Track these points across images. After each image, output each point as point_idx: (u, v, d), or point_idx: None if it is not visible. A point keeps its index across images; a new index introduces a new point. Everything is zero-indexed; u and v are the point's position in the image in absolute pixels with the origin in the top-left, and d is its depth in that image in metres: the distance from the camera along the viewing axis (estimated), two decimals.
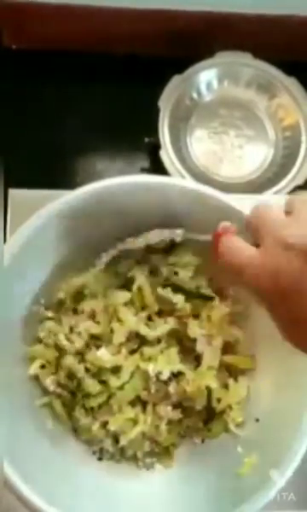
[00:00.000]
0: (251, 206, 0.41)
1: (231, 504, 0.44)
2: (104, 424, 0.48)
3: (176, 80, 0.77)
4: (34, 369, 0.48)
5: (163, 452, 0.49)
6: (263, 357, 0.50)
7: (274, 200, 0.70)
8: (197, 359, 0.49)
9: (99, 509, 0.44)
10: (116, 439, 0.48)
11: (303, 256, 0.35)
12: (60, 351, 0.48)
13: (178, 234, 0.47)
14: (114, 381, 0.47)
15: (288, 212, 0.38)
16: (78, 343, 0.47)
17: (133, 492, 0.48)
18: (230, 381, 0.49)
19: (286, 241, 0.35)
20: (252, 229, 0.39)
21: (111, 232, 0.49)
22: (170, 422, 0.49)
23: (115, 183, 0.47)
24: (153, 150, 0.75)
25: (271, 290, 0.36)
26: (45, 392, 0.49)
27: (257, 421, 0.48)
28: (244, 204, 0.46)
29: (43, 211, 0.46)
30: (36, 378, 0.49)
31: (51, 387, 0.48)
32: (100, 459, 0.49)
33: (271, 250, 0.36)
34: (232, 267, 0.38)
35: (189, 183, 0.49)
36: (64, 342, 0.48)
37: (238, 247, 0.38)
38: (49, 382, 0.48)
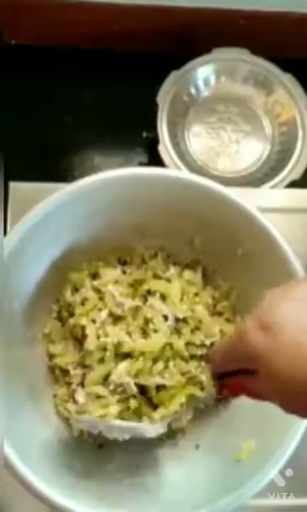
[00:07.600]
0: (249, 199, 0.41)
1: (228, 489, 0.45)
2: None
3: (173, 76, 0.78)
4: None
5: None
6: None
7: (270, 194, 0.71)
8: None
9: (99, 493, 0.45)
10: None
11: None
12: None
13: None
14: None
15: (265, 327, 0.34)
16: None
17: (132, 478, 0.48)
18: None
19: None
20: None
21: (113, 224, 0.50)
22: None
23: (113, 175, 0.48)
24: (152, 145, 0.76)
25: None
26: (49, 371, 0.50)
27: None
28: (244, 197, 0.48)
29: (43, 204, 0.46)
30: (38, 360, 0.50)
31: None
32: (100, 446, 0.50)
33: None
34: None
35: (187, 174, 0.50)
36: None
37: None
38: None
